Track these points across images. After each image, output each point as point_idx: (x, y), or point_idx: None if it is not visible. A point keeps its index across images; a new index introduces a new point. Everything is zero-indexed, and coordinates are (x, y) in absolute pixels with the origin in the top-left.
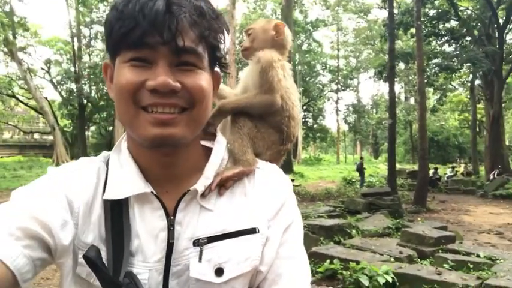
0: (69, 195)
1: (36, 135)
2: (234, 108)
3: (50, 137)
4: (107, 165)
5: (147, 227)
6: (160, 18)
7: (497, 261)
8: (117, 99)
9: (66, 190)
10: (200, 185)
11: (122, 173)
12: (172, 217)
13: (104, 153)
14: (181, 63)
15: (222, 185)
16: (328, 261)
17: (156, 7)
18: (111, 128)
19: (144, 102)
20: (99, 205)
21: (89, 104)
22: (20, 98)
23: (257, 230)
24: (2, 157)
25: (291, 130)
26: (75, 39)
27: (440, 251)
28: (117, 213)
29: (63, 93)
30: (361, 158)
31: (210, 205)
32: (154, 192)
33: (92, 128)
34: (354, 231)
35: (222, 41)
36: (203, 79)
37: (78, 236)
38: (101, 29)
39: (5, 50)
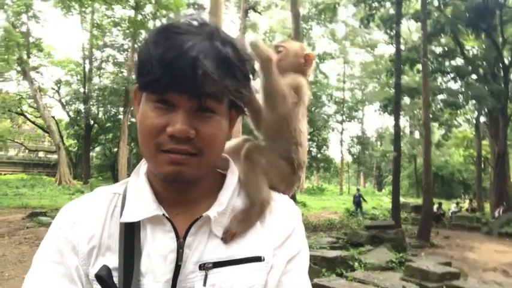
0: (75, 240)
1: (41, 154)
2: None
3: (55, 156)
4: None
5: (158, 248)
6: (185, 77)
7: None
8: (140, 135)
9: (71, 237)
10: (213, 211)
11: (137, 197)
12: (182, 240)
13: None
14: (201, 109)
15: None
16: None
17: (183, 65)
18: (116, 149)
19: (164, 147)
20: (117, 229)
21: (96, 125)
22: (28, 116)
23: (262, 259)
24: (5, 174)
25: (300, 157)
26: (87, 61)
27: (444, 287)
28: (129, 235)
29: (71, 113)
30: (358, 189)
31: (220, 232)
32: (166, 215)
33: (97, 149)
34: (356, 264)
35: (245, 91)
36: (218, 127)
37: (89, 271)
38: (113, 52)
39: (18, 68)
